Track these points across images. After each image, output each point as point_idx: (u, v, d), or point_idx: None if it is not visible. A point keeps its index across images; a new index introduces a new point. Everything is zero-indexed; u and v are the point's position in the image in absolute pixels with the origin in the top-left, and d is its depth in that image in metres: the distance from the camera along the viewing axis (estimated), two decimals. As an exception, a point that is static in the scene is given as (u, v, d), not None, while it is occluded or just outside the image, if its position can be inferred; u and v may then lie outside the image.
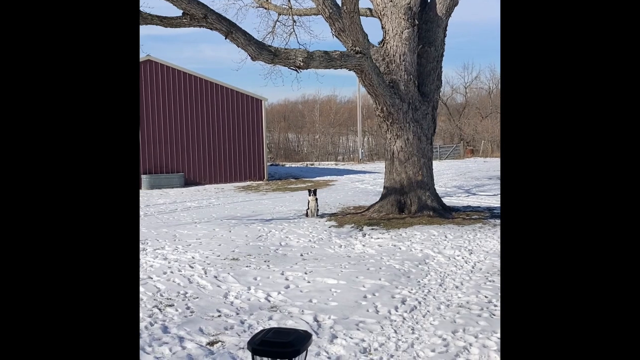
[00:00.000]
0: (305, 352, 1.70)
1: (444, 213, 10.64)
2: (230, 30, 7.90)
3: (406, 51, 10.32)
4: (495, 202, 13.09)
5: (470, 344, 4.15)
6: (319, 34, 65.24)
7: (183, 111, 21.13)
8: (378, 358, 3.93)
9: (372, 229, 9.32)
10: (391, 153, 10.89)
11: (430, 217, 10.24)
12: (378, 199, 11.54)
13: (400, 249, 7.76)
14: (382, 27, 10.70)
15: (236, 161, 22.15)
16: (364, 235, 8.85)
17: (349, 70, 9.34)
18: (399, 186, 10.83)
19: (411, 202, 10.71)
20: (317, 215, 11.06)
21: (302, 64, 8.58)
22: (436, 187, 11.87)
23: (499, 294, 5.45)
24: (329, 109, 54.59)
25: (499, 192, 11.19)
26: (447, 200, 12.47)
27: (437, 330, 4.46)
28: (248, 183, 21.52)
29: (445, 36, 11.00)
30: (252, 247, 8.05)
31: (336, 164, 35.89)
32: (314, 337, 4.33)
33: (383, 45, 10.59)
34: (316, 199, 11.16)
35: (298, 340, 1.66)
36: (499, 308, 5.01)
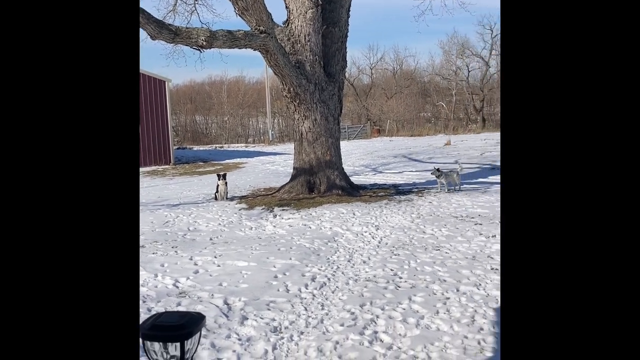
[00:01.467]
0: (198, 333, 1.67)
1: (352, 191, 10.90)
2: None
3: (311, 31, 10.34)
4: (400, 179, 13.59)
5: (377, 316, 4.31)
6: (222, 13, 63.59)
7: (80, 94, 19.81)
8: (288, 336, 3.98)
9: (283, 209, 9.36)
10: (300, 134, 10.94)
11: (339, 195, 10.45)
12: (288, 180, 11.58)
13: (310, 228, 7.86)
14: (286, 7, 10.64)
15: (140, 145, 21.24)
16: (274, 216, 8.87)
17: (254, 50, 9.22)
18: (308, 167, 10.93)
19: (320, 181, 10.86)
20: (226, 198, 10.91)
21: (204, 43, 8.35)
22: (345, 166, 12.10)
23: (402, 267, 5.70)
24: (237, 90, 53.77)
25: (402, 170, 11.62)
26: (355, 179, 12.77)
27: (345, 305, 4.58)
28: (153, 168, 20.76)
29: (349, 17, 11.14)
30: (158, 234, 7.80)
31: (246, 146, 35.51)
32: (224, 319, 4.30)
33: (288, 25, 10.54)
34: (225, 182, 11.00)
35: (191, 322, 1.62)
36: (403, 280, 5.24)
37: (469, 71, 50.79)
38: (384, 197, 10.42)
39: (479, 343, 3.76)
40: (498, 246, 6.36)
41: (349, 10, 11.11)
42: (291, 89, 10.31)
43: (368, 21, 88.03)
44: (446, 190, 10.77)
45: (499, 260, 5.79)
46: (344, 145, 22.43)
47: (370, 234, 7.41)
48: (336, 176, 10.96)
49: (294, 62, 10.20)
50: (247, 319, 4.33)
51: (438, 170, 10.99)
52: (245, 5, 9.12)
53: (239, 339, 3.95)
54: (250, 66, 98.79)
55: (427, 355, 3.60)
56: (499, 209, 7.95)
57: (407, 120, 47.34)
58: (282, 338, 3.96)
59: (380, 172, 15.77)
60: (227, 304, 4.68)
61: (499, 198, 8.74)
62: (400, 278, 5.31)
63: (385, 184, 12.60)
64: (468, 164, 16.26)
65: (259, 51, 9.32)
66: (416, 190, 11.38)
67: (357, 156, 21.77)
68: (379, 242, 6.90)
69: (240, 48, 8.97)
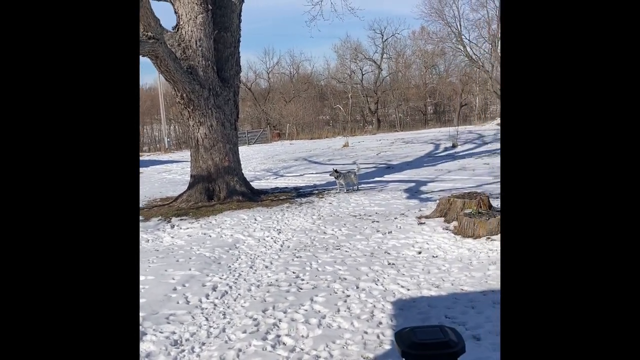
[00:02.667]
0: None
1: (253, 197, 10.83)
2: None
3: (202, 36, 10.16)
4: (301, 181, 13.74)
5: (280, 320, 4.32)
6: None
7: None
8: (189, 348, 3.88)
9: (181, 219, 9.10)
10: (196, 140, 10.70)
11: (239, 201, 10.36)
12: (186, 188, 11.28)
13: (210, 236, 7.71)
14: (175, 12, 10.37)
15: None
16: (172, 226, 8.59)
17: (143, 56, 8.88)
18: (206, 174, 10.72)
19: (220, 188, 10.69)
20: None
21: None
22: (246, 171, 12.01)
23: (304, 268, 5.77)
24: (130, 98, 51.42)
25: (303, 173, 11.74)
26: (256, 184, 12.73)
27: (248, 312, 4.55)
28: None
29: (240, 22, 11.09)
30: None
31: (141, 155, 34.12)
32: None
33: (177, 30, 10.27)
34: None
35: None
36: (305, 281, 5.30)
37: (362, 74, 52.50)
38: (285, 201, 10.47)
39: (378, 337, 3.89)
40: (394, 242, 6.63)
41: (240, 15, 11.05)
42: (184, 94, 10.07)
43: (263, 26, 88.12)
44: (345, 191, 11.05)
45: (395, 255, 6.04)
46: (244, 150, 22.29)
47: (272, 238, 7.41)
48: (236, 182, 10.85)
49: (185, 68, 9.96)
50: (146, 334, 4.16)
51: (336, 171, 11.25)
52: (131, 9, 8.75)
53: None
54: (142, 72, 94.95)
55: (329, 354, 3.66)
56: (395, 206, 8.31)
57: (307, 123, 47.99)
58: (183, 351, 3.85)
59: (282, 175, 15.84)
60: (123, 322, 4.46)
61: (394, 196, 9.11)
62: (302, 280, 5.37)
63: (286, 188, 12.67)
64: (365, 164, 16.79)
65: (148, 57, 9.00)
66: (317, 192, 11.56)
67: (258, 161, 21.71)
68: (281, 246, 6.92)
69: (127, 54, 8.60)
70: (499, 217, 6.54)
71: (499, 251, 5.92)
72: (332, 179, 11.51)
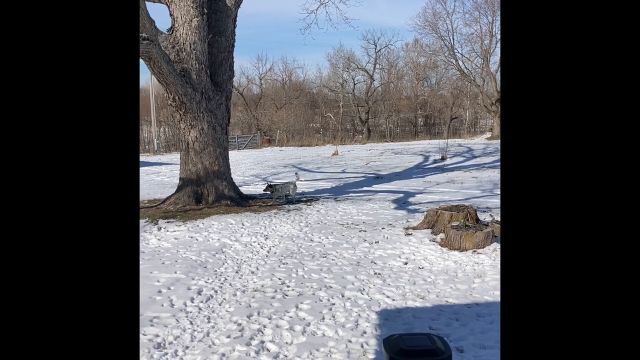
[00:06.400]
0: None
1: (241, 202, 10.82)
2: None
3: (196, 40, 10.17)
4: (289, 188, 13.73)
5: (264, 326, 4.32)
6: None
7: None
8: (173, 351, 3.86)
9: (168, 221, 9.05)
10: (186, 143, 10.68)
11: (227, 206, 10.33)
12: (174, 190, 11.24)
13: (197, 240, 7.69)
14: (171, 14, 10.37)
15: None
16: (159, 229, 8.55)
17: (136, 57, 8.86)
18: (195, 177, 10.68)
19: (208, 192, 10.66)
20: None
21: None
22: (234, 176, 11.99)
23: (290, 275, 5.76)
24: (120, 98, 51.12)
25: (304, 179, 11.63)
26: (245, 189, 12.70)
27: (232, 317, 4.54)
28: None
29: (235, 27, 11.11)
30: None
31: (130, 157, 33.82)
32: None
33: (172, 32, 10.27)
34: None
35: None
36: (291, 288, 5.30)
37: (354, 84, 52.68)
38: (273, 207, 10.47)
39: (362, 346, 3.90)
40: (381, 252, 6.66)
41: (235, 20, 11.08)
42: (176, 97, 10.05)
43: (257, 32, 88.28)
44: (284, 203, 10.92)
45: (382, 265, 6.07)
46: (234, 155, 22.26)
47: (259, 243, 7.40)
48: (225, 186, 10.83)
49: (179, 70, 9.96)
50: (128, 337, 4.13)
51: (270, 186, 11.13)
52: (126, 9, 8.74)
53: (119, 359, 3.75)
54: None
55: (312, 361, 3.66)
56: (382, 216, 8.33)
57: (297, 130, 48.00)
58: (166, 354, 3.82)
59: (271, 182, 15.81)
60: (107, 323, 4.43)
61: (382, 206, 9.14)
62: (288, 287, 5.37)
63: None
64: (354, 173, 16.84)
65: (142, 59, 8.98)
66: (305, 199, 11.57)
67: (248, 166, 21.68)
68: (268, 252, 6.92)
69: (121, 54, 8.58)
70: (486, 230, 6.60)
71: (484, 265, 5.95)
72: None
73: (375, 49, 51.57)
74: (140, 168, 16.89)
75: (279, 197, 10.99)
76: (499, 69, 22.09)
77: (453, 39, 42.34)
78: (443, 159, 20.45)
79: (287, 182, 11.58)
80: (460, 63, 41.28)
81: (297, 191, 11.38)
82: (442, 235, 7.04)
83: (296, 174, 13.80)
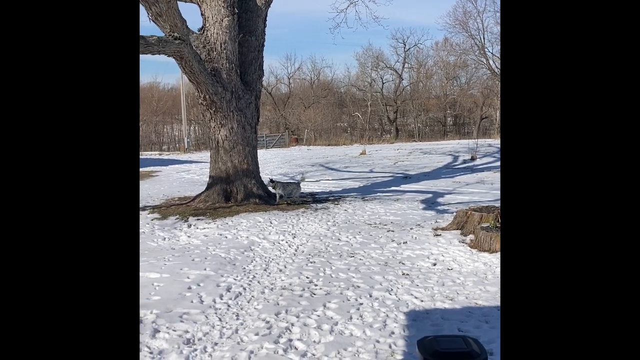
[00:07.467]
0: None
1: (269, 200, 10.89)
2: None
3: (227, 39, 10.27)
4: (317, 187, 13.75)
5: (292, 324, 4.34)
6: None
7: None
8: (202, 347, 3.91)
9: (198, 219, 9.17)
10: (216, 142, 10.80)
11: (256, 204, 10.41)
12: (204, 188, 11.38)
13: (226, 237, 7.77)
14: (202, 14, 10.50)
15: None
16: (189, 226, 8.67)
17: (168, 56, 9.01)
18: (224, 175, 10.80)
19: (237, 190, 10.76)
20: (138, 208, 10.50)
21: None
22: (263, 174, 12.07)
23: (318, 274, 5.77)
24: (151, 97, 52.05)
25: (319, 179, 11.76)
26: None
27: (261, 314, 4.57)
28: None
29: (265, 26, 11.18)
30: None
31: (160, 154, 34.46)
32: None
33: (203, 32, 10.40)
34: (137, 192, 10.59)
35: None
36: (319, 287, 5.31)
37: (383, 83, 52.45)
38: (301, 206, 10.50)
39: (390, 347, 3.88)
40: (409, 252, 6.61)
41: (265, 20, 11.15)
42: (207, 96, 10.17)
43: (286, 31, 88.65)
44: (285, 200, 10.86)
45: (410, 265, 6.03)
46: (262, 153, 22.40)
47: (287, 242, 7.44)
48: (253, 185, 10.92)
49: (209, 70, 10.07)
50: (159, 331, 4.21)
51: (272, 181, 11.09)
52: (159, 10, 8.90)
53: (150, 352, 3.83)
54: (165, 72, 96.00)
55: (340, 361, 3.67)
56: (411, 216, 8.27)
57: (325, 129, 48.05)
58: (195, 350, 3.88)
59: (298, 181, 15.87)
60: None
61: (410, 206, 9.07)
62: (316, 285, 5.38)
63: (302, 193, 12.69)
64: (382, 173, 16.77)
65: (173, 57, 9.13)
66: (332, 198, 11.57)
67: (275, 165, 21.80)
68: (296, 250, 6.95)
69: (153, 54, 8.73)
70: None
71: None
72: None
73: (405, 48, 51.23)
74: (170, 165, 17.15)
75: (280, 197, 10.96)
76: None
77: (484, 37, 41.83)
78: (473, 159, 20.20)
79: (290, 182, 11.58)
80: (491, 62, 40.75)
81: (300, 192, 11.38)
82: (471, 236, 6.96)
83: (302, 174, 13.80)
